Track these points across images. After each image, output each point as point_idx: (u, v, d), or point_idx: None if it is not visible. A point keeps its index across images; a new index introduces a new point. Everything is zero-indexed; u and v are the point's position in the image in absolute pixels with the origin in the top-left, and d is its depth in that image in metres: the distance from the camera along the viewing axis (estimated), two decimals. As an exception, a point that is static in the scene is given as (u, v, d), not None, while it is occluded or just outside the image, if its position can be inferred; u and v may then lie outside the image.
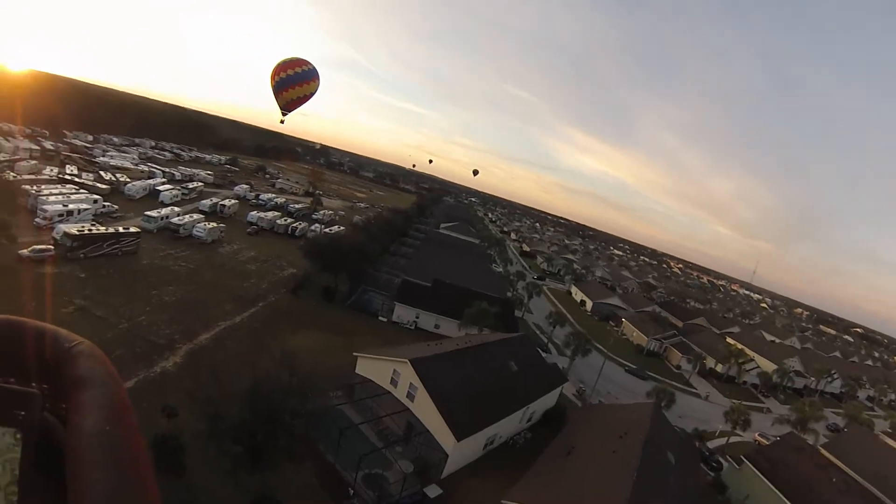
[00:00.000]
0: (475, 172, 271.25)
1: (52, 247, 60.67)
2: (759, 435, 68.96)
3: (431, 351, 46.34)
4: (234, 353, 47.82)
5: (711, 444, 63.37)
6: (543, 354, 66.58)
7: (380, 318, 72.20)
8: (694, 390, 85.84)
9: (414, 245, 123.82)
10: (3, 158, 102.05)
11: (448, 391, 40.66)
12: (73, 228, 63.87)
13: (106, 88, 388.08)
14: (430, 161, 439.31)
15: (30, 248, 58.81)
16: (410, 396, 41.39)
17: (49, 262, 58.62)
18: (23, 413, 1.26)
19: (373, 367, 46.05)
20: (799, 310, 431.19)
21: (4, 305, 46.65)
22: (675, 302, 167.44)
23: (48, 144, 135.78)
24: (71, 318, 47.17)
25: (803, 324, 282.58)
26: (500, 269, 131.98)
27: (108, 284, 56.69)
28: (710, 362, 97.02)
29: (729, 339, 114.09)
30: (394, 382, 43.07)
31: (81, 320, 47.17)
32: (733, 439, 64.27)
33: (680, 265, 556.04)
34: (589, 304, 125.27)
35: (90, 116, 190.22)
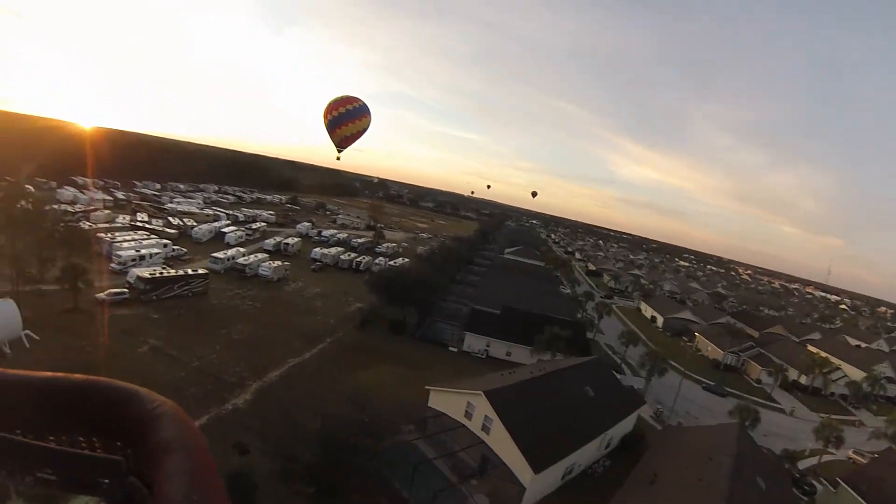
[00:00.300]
0: (534, 194, 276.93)
1: (126, 290, 65.03)
2: (853, 452, 63.00)
3: (505, 381, 45.59)
4: (303, 390, 48.62)
5: (802, 465, 58.53)
6: (618, 376, 65.45)
7: (450, 348, 72.47)
8: (777, 405, 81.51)
9: (480, 272, 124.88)
10: (80, 209, 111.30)
11: (524, 422, 39.85)
12: (145, 272, 68.26)
13: (169, 139, 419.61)
14: (489, 186, 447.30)
15: (106, 292, 63.19)
16: (485, 429, 40.65)
17: (124, 304, 62.80)
18: (107, 481, 1.29)
19: (446, 401, 45.53)
20: (882, 308, 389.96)
21: (84, 346, 49.91)
22: (749, 311, 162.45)
23: (120, 194, 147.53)
24: (145, 358, 49.76)
25: (889, 324, 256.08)
26: (568, 291, 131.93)
27: (179, 324, 59.71)
28: (792, 374, 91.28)
29: (810, 347, 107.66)
30: (468, 415, 42.52)
31: (155, 359, 49.63)
32: (826, 458, 59.04)
33: (749, 271, 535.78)
34: (660, 320, 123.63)
35: (157, 166, 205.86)
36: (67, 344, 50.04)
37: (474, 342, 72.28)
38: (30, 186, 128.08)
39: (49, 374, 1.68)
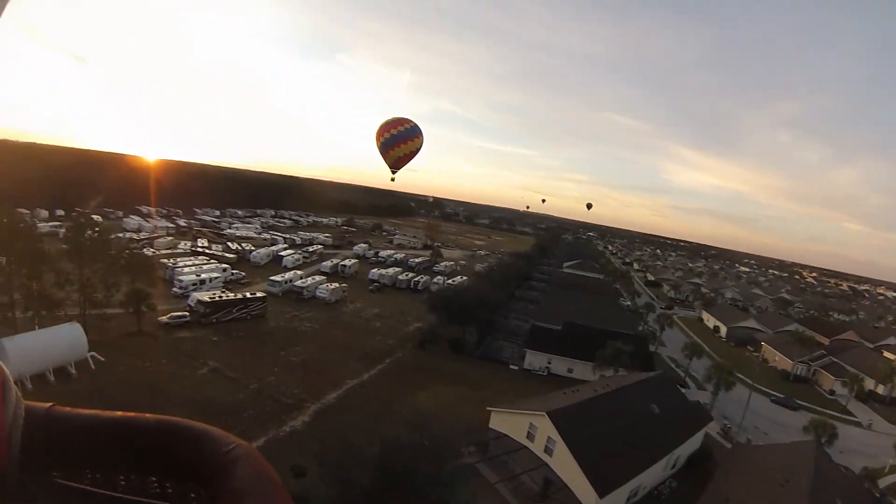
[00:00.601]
0: (589, 206, 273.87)
1: (187, 313, 68.37)
2: None
3: (568, 400, 44.66)
4: (362, 411, 48.99)
5: (882, 484, 54.17)
6: (682, 390, 63.93)
7: (511, 366, 72.23)
8: (854, 418, 76.27)
9: (539, 287, 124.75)
10: (144, 236, 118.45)
11: (588, 442, 38.84)
12: (205, 296, 71.59)
13: (227, 168, 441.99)
14: (543, 200, 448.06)
15: (168, 316, 66.73)
16: (548, 451, 39.88)
17: (185, 327, 66.07)
18: None
19: (508, 422, 44.97)
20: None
21: (147, 367, 52.64)
22: (817, 317, 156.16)
23: (181, 222, 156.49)
24: (205, 380, 51.83)
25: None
26: (629, 303, 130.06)
27: (238, 347, 61.98)
28: (868, 383, 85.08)
29: (887, 354, 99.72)
30: (530, 436, 41.90)
31: (215, 381, 51.61)
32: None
33: (813, 274, 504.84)
34: (723, 330, 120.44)
35: (216, 194, 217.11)
36: (131, 365, 52.88)
37: (535, 359, 72.06)
38: (98, 216, 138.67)
39: (121, 413, 1.72)
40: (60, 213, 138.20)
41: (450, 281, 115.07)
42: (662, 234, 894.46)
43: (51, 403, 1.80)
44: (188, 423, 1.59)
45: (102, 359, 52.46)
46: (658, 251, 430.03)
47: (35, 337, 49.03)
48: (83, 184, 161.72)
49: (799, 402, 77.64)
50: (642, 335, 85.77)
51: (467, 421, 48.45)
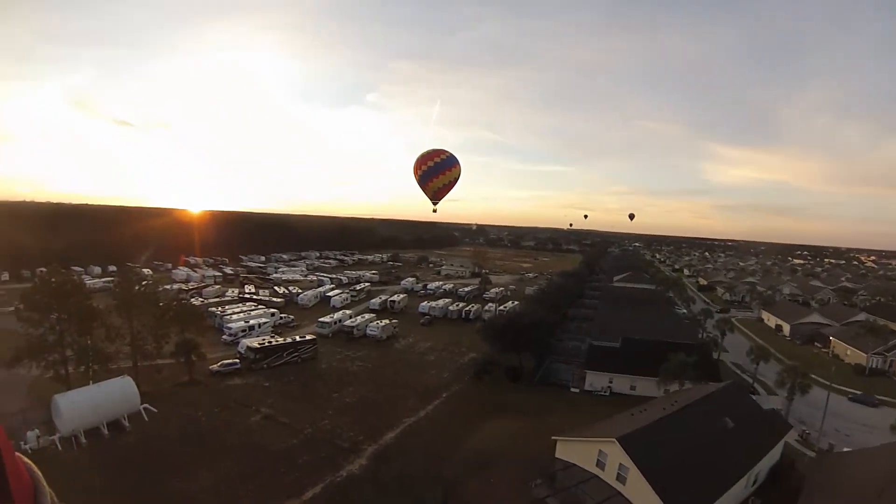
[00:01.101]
0: (631, 217, 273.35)
1: (237, 360, 68.58)
2: None
3: (637, 422, 41.61)
4: (421, 450, 47.07)
5: None
6: (752, 398, 59.09)
7: (571, 389, 69.40)
8: None
9: (591, 305, 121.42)
10: (192, 286, 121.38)
11: (663, 467, 35.80)
12: (254, 342, 71.78)
13: (270, 213, 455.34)
14: (586, 216, 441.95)
15: (219, 363, 67.03)
16: (621, 479, 36.93)
17: (236, 374, 66.09)
18: None
19: (575, 450, 42.18)
20: None
21: (199, 416, 52.36)
22: (886, 303, 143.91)
23: (228, 269, 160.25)
24: (258, 426, 51.09)
25: None
26: (684, 311, 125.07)
27: (290, 391, 61.33)
28: None
29: None
30: (600, 465, 39.00)
31: (268, 427, 50.80)
32: None
33: (872, 257, 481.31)
34: (786, 328, 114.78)
35: (261, 240, 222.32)
36: (183, 415, 52.84)
37: (596, 380, 69.53)
38: (148, 270, 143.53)
39: None
40: (113, 268, 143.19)
41: (501, 307, 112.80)
42: (709, 236, 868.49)
43: None
44: None
45: (155, 410, 52.68)
46: (707, 254, 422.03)
47: (87, 392, 49.56)
48: (134, 240, 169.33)
49: (879, 397, 72.20)
50: (704, 343, 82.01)
51: (531, 452, 46.05)
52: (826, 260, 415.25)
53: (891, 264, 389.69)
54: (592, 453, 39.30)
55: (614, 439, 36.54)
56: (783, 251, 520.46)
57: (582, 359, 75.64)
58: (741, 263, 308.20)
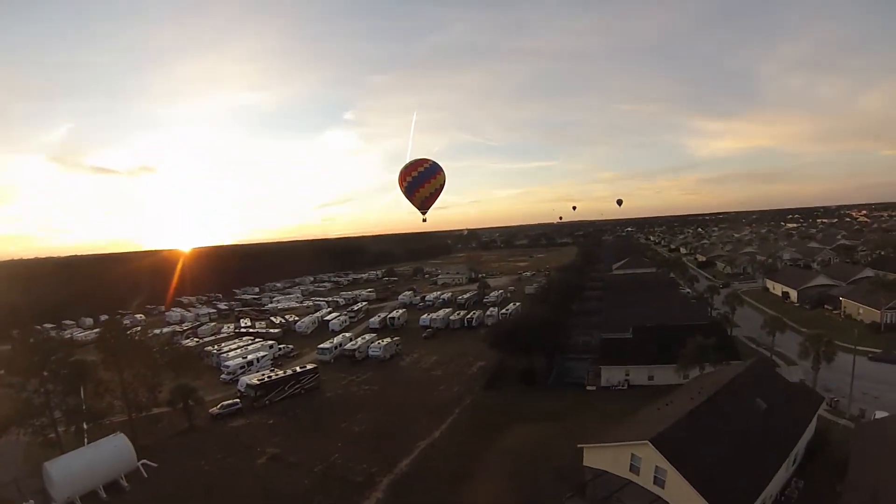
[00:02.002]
0: (619, 202, 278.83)
1: (238, 400, 65.31)
2: None
3: (666, 418, 38.64)
4: (441, 474, 44.02)
5: None
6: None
7: (587, 387, 66.36)
8: None
9: (594, 296, 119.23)
10: (187, 326, 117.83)
11: (702, 464, 32.98)
12: (254, 378, 68.58)
13: (258, 244, 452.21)
14: (574, 208, 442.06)
15: (219, 406, 63.84)
16: (659, 482, 33.97)
17: (238, 414, 62.84)
18: None
19: (605, 457, 39.06)
20: None
21: (202, 466, 49.08)
22: (888, 256, 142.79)
23: (222, 305, 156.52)
24: (266, 470, 47.90)
25: None
26: (688, 290, 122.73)
27: (296, 427, 58.18)
28: None
29: None
30: (634, 469, 35.99)
31: (276, 470, 47.61)
32: None
33: (863, 212, 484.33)
34: (793, 294, 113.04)
35: (252, 271, 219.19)
36: (186, 466, 49.57)
37: (612, 375, 66.84)
38: (140, 315, 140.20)
39: None
40: (105, 318, 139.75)
41: (503, 311, 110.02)
42: (700, 212, 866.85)
43: None
44: None
45: (155, 464, 49.36)
46: (700, 230, 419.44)
47: (79, 456, 46.20)
48: (125, 286, 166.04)
49: None
50: (717, 323, 79.54)
51: (557, 461, 43.10)
52: (819, 220, 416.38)
53: (882, 216, 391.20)
54: (625, 458, 36.29)
55: (647, 441, 33.58)
56: (775, 217, 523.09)
57: (594, 354, 73.05)
58: (736, 235, 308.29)
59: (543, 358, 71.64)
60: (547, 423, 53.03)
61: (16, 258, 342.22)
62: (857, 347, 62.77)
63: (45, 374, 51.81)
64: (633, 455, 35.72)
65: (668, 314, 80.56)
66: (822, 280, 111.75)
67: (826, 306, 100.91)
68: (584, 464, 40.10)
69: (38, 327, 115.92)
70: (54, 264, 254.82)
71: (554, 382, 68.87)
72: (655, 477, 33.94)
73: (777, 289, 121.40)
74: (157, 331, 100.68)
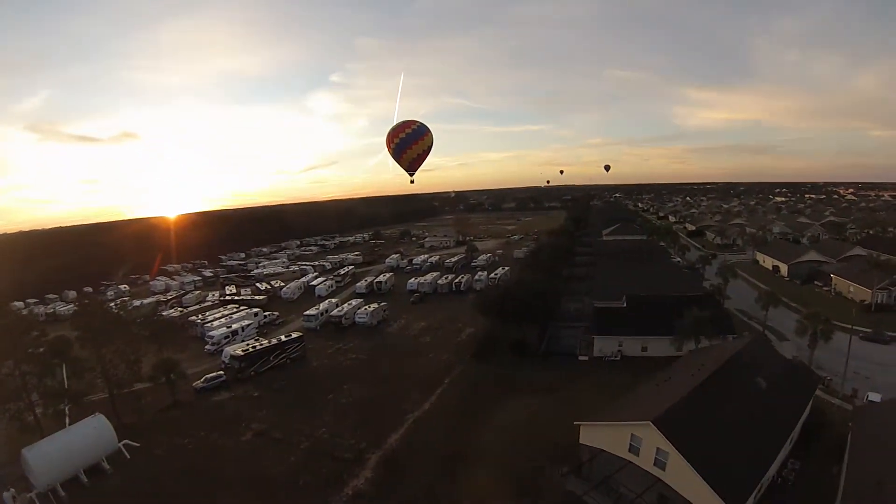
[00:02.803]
0: (607, 168, 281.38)
1: (222, 373, 63.10)
2: None
3: (666, 396, 37.13)
4: (431, 451, 42.55)
5: None
6: None
7: (579, 357, 65.02)
8: None
9: (584, 262, 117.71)
10: (171, 296, 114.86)
11: (705, 445, 31.65)
12: (238, 349, 66.21)
13: (245, 208, 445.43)
14: (561, 172, 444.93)
15: (202, 379, 61.69)
16: (659, 464, 32.53)
17: (223, 387, 60.84)
18: None
19: (602, 436, 37.56)
20: None
21: (186, 445, 47.26)
22: (878, 235, 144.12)
23: (208, 272, 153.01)
24: (251, 447, 46.25)
25: None
26: (678, 259, 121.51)
27: (282, 399, 56.38)
28: None
29: None
30: (633, 450, 34.49)
31: (261, 447, 45.98)
32: None
33: (850, 190, 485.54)
34: (783, 269, 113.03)
35: (239, 236, 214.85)
36: (169, 445, 47.69)
37: (605, 345, 65.33)
38: (125, 285, 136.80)
39: None
40: (88, 289, 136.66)
41: (493, 275, 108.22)
42: (688, 181, 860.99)
43: None
44: None
45: (137, 444, 47.33)
46: (688, 199, 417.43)
47: (57, 440, 43.80)
48: (109, 256, 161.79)
49: (890, 333, 68.69)
50: (711, 295, 77.40)
51: (552, 437, 41.82)
52: (807, 196, 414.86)
53: (870, 195, 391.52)
54: (624, 438, 34.73)
55: (649, 422, 31.92)
56: (763, 190, 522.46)
57: (587, 323, 71.68)
58: (724, 206, 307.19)
59: (535, 327, 70.06)
60: (539, 396, 51.88)
61: (0, 232, 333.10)
62: (847, 325, 61.77)
63: (18, 356, 49.11)
64: (632, 435, 34.21)
65: (662, 284, 79.26)
66: (812, 256, 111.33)
67: (816, 282, 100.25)
68: (581, 441, 38.63)
69: (15, 303, 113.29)
70: (36, 237, 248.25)
71: (546, 352, 67.46)
72: (656, 459, 32.50)
73: (767, 262, 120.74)
74: (138, 302, 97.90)
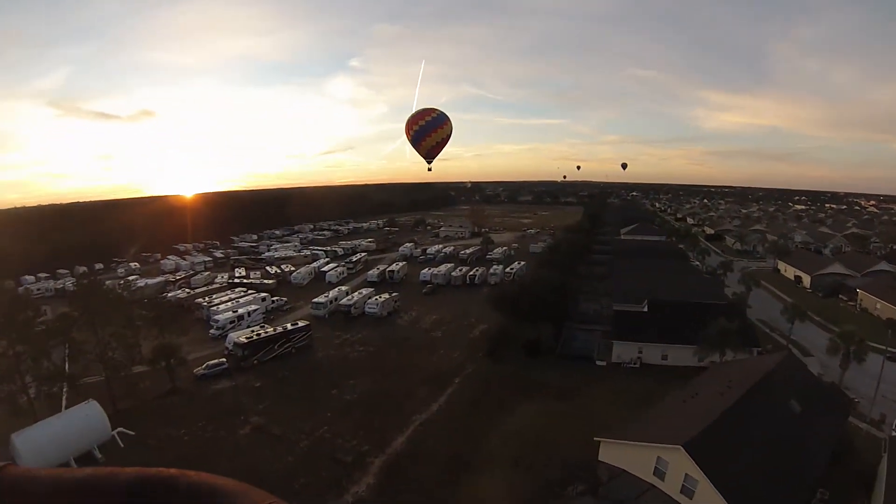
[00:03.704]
0: (624, 166, 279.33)
1: (224, 360, 60.81)
2: None
3: (698, 418, 34.05)
4: (439, 459, 39.80)
5: None
6: None
7: (597, 362, 61.91)
8: None
9: (601, 261, 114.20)
10: (181, 276, 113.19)
11: (737, 475, 29.01)
12: (242, 336, 63.89)
13: (261, 190, 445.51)
14: (578, 167, 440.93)
15: (204, 366, 59.36)
16: (686, 492, 29.83)
17: (224, 375, 58.52)
18: None
19: (625, 455, 34.71)
20: None
21: (182, 436, 45.07)
22: None
23: (219, 253, 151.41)
24: (248, 441, 43.94)
25: None
26: (697, 264, 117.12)
27: (284, 392, 53.94)
28: None
29: None
30: (658, 473, 31.74)
31: (259, 442, 43.65)
32: None
33: (872, 202, 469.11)
34: (806, 280, 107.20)
35: (253, 218, 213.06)
36: (164, 435, 45.53)
37: (624, 351, 62.07)
38: (136, 263, 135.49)
39: (92, 470, 1.54)
40: (100, 266, 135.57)
41: (508, 269, 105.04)
42: (705, 183, 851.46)
43: (4, 463, 1.59)
44: (189, 478, 1.46)
45: (132, 433, 45.18)
46: (706, 201, 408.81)
47: (48, 426, 41.77)
48: (124, 233, 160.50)
49: None
50: (735, 304, 73.51)
51: (567, 449, 38.91)
52: (827, 206, 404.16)
53: (892, 209, 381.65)
54: (649, 460, 31.83)
55: (680, 446, 28.90)
56: (782, 196, 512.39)
57: (604, 325, 68.69)
58: (743, 210, 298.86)
59: (551, 326, 67.10)
60: (554, 402, 48.82)
61: (17, 205, 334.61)
62: (875, 344, 57.37)
63: (12, 336, 47.02)
64: (659, 458, 31.18)
65: (682, 288, 76.15)
66: (837, 268, 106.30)
67: (841, 296, 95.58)
68: (600, 459, 35.64)
69: (26, 277, 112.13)
70: (52, 212, 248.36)
71: (561, 353, 64.39)
72: (684, 486, 29.54)
73: (789, 272, 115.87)
74: (143, 282, 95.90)
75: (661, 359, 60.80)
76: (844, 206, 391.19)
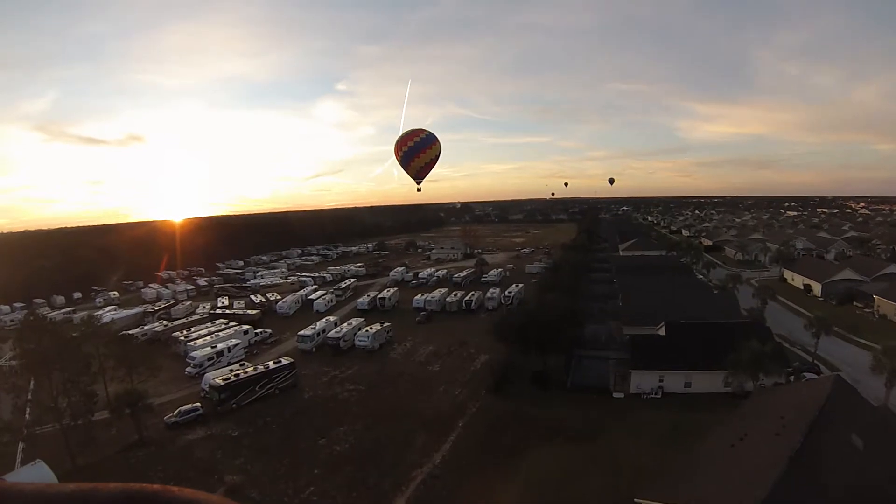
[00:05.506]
0: (611, 181, 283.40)
1: (199, 405, 54.06)
2: None
3: (755, 470, 28.03)
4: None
5: None
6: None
7: (614, 394, 55.79)
8: None
9: (602, 279, 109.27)
10: (160, 306, 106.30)
11: None
12: (218, 378, 57.01)
13: (247, 214, 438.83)
14: (566, 184, 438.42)
15: (176, 412, 52.63)
16: None
17: (199, 422, 51.81)
18: None
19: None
20: None
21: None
22: None
23: (202, 281, 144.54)
24: (220, 512, 37.05)
25: None
26: (700, 276, 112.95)
27: (264, 442, 47.42)
28: None
29: None
30: None
31: (233, 512, 36.76)
32: None
33: (862, 204, 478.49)
34: (816, 288, 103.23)
35: (239, 243, 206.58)
36: (124, 502, 38.76)
37: (644, 380, 56.19)
38: (115, 292, 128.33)
39: (75, 485, 1.50)
40: (77, 295, 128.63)
41: (507, 293, 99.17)
42: (694, 194, 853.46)
43: None
44: (172, 493, 1.45)
45: (85, 499, 38.39)
46: (698, 212, 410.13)
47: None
48: (106, 260, 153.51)
49: None
50: (759, 324, 67.61)
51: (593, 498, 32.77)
52: (818, 210, 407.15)
53: (884, 209, 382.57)
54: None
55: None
56: (772, 204, 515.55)
57: (617, 352, 63.16)
58: (737, 219, 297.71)
59: (561, 356, 61.23)
60: (573, 446, 42.67)
61: (3, 231, 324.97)
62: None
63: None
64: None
65: (696, 306, 71.02)
66: (848, 274, 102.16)
67: (856, 303, 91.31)
68: (640, 523, 29.61)
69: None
70: (35, 238, 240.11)
71: (573, 385, 58.42)
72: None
73: (797, 280, 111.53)
74: (112, 316, 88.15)
75: (683, 387, 55.26)
76: (836, 210, 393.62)
